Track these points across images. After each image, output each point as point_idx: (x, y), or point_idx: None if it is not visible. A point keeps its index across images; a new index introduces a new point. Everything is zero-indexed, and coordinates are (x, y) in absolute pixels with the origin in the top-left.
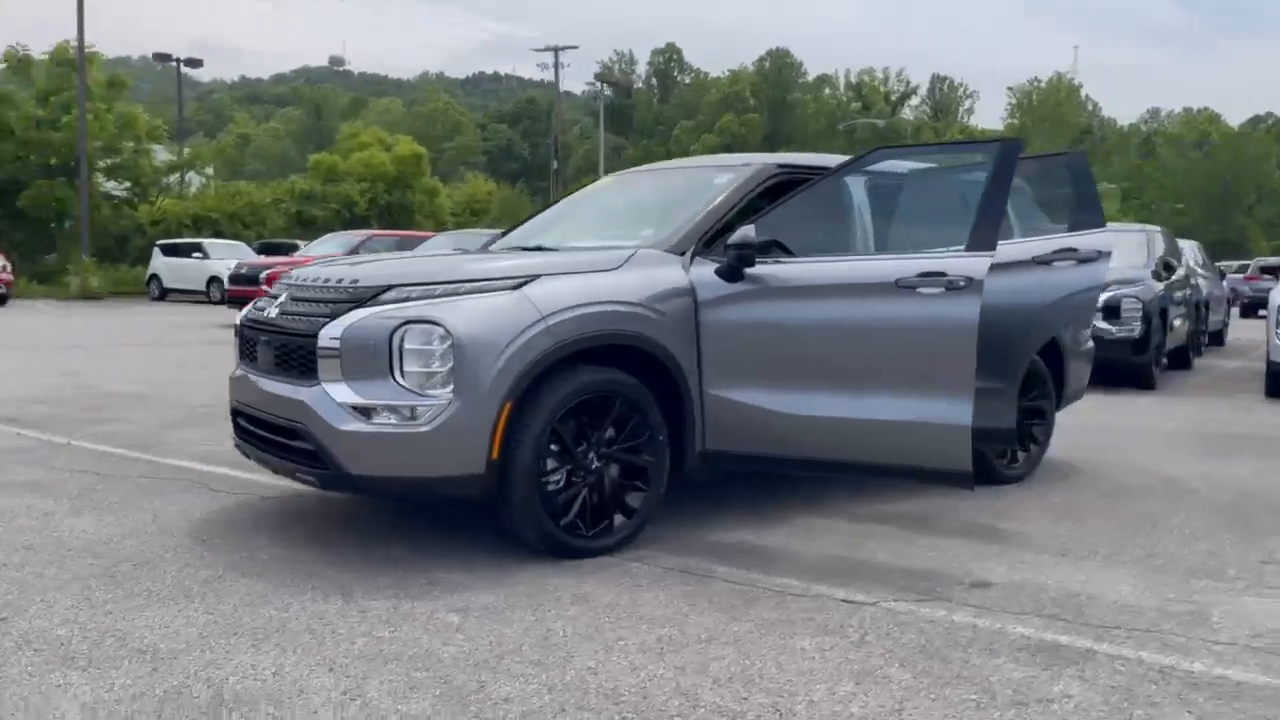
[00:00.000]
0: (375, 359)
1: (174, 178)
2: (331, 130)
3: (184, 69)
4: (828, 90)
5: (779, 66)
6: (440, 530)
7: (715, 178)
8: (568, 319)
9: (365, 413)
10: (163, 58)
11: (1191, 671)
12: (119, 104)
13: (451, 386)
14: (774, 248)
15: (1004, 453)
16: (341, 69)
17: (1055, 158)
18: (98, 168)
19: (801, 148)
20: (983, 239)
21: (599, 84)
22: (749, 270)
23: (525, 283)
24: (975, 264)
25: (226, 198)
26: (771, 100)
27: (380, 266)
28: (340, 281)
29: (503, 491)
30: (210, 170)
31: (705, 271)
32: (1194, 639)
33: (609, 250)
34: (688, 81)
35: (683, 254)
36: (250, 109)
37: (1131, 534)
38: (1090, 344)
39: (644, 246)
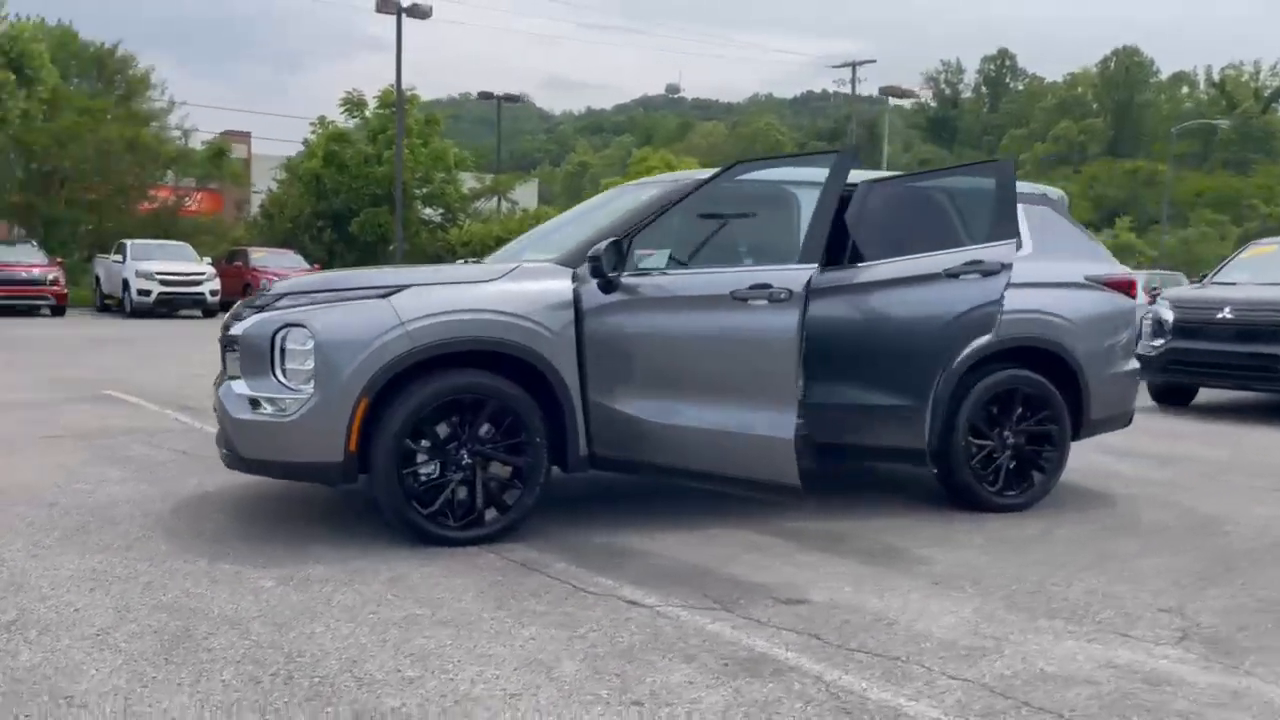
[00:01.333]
0: (261, 356)
1: (489, 203)
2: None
3: (537, 105)
4: (1185, 89)
5: (1126, 65)
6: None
7: (645, 193)
8: (428, 325)
9: (254, 403)
10: (486, 96)
11: (871, 700)
12: (434, 139)
13: (313, 383)
14: (671, 261)
15: (993, 479)
16: (676, 96)
17: (982, 167)
18: (415, 196)
19: (1144, 154)
20: (809, 251)
21: (886, 97)
22: (625, 282)
23: (394, 292)
24: (796, 276)
25: (529, 220)
26: (1117, 103)
27: (300, 278)
28: (267, 290)
29: (370, 480)
30: (514, 195)
31: (593, 285)
32: (938, 675)
33: (496, 265)
34: (1019, 88)
35: (574, 267)
36: (590, 138)
37: (1040, 567)
38: (1133, 364)
39: (533, 260)
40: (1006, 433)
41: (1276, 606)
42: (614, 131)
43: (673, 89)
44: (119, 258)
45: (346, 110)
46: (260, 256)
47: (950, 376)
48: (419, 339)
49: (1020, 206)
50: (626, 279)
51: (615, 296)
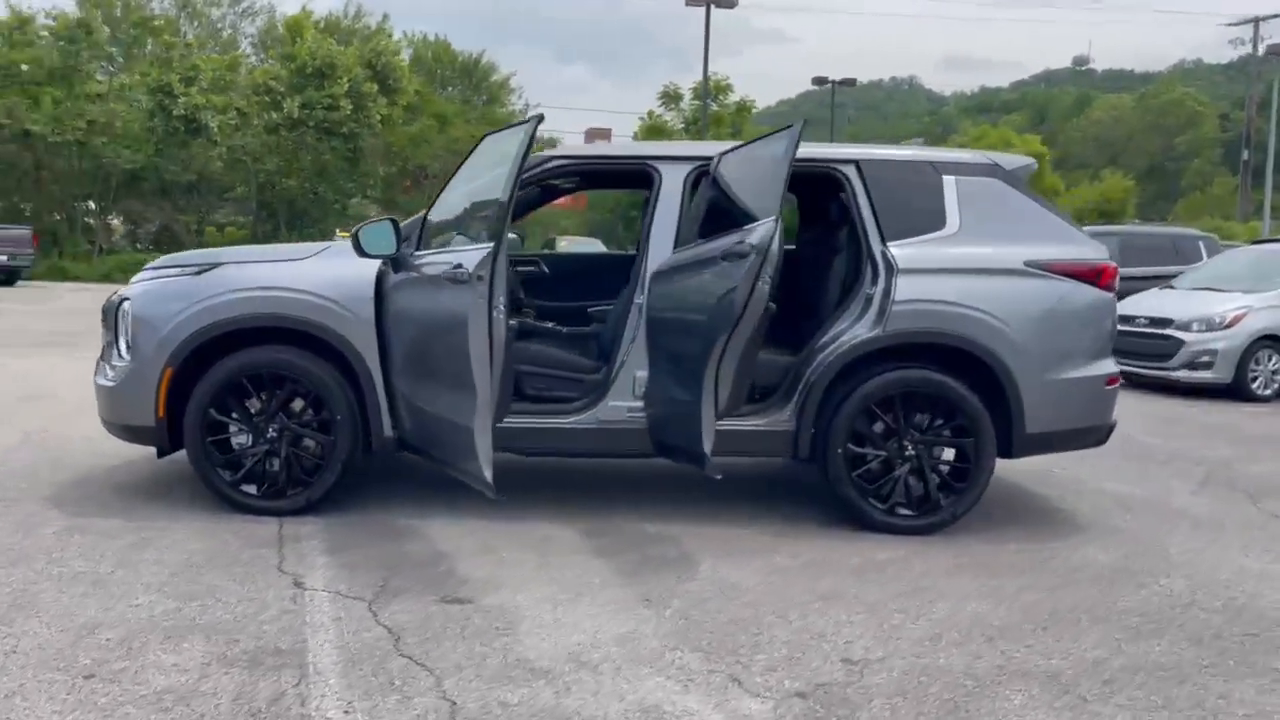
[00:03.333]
0: (110, 328)
1: None
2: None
3: (926, 86)
4: None
5: None
6: None
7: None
8: (228, 301)
9: (104, 371)
10: (820, 81)
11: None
12: (746, 126)
13: (131, 352)
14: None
15: (884, 495)
16: (1084, 68)
17: (775, 136)
18: None
19: None
20: (492, 230)
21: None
22: (410, 261)
23: (208, 268)
24: (473, 256)
25: None
26: None
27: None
28: None
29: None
30: None
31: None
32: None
33: (316, 244)
34: None
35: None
36: (977, 118)
37: (793, 599)
38: (1100, 366)
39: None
40: (906, 443)
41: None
42: (1004, 110)
43: (1080, 61)
44: None
45: (664, 103)
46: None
47: (819, 374)
48: (219, 314)
49: (952, 179)
50: (412, 258)
51: (402, 276)
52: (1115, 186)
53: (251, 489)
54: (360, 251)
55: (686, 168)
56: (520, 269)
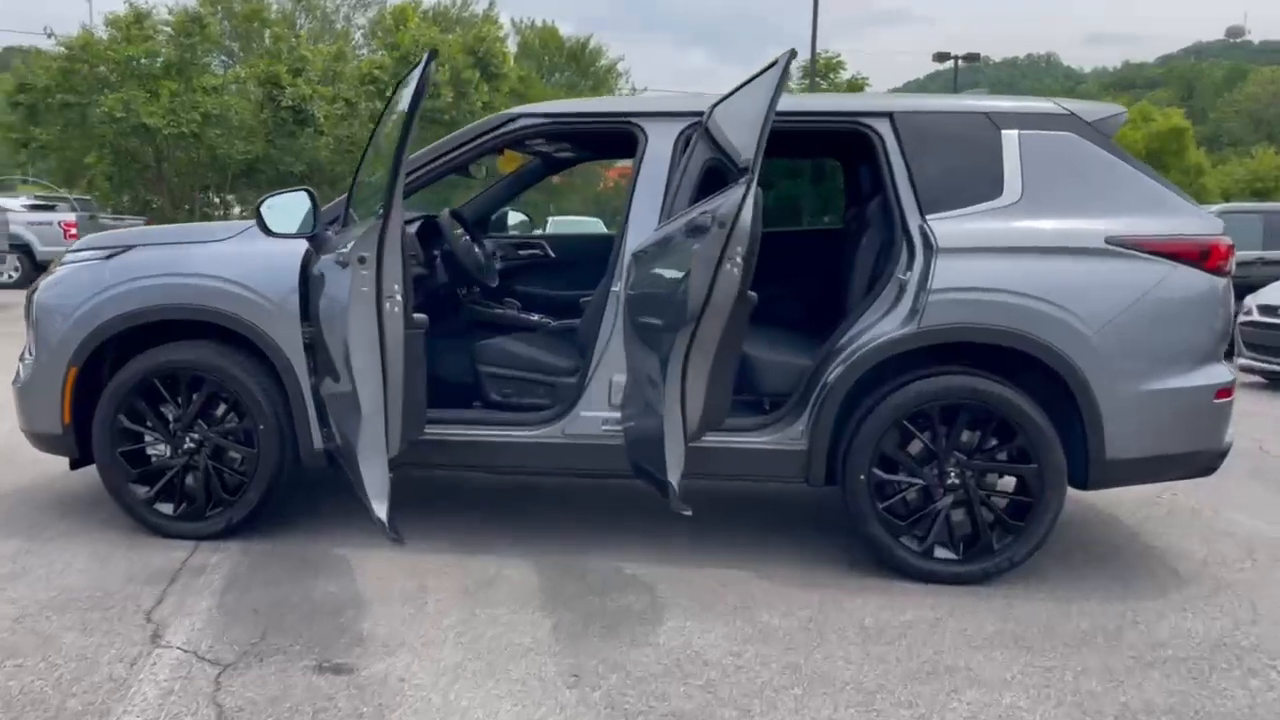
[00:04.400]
0: (28, 321)
1: None
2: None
3: (1064, 63)
4: None
5: None
6: None
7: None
8: (132, 290)
9: (18, 371)
10: (941, 56)
11: None
12: None
13: (36, 350)
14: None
15: (921, 534)
16: (1238, 40)
17: (757, 79)
18: None
19: None
20: (381, 202)
21: None
22: (328, 240)
23: (118, 253)
24: (351, 235)
25: None
26: None
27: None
28: None
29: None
30: None
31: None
32: None
33: (238, 222)
34: None
35: (329, 224)
36: (1117, 95)
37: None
38: (1213, 374)
39: None
40: (948, 469)
41: None
42: (1148, 87)
43: (1235, 32)
44: None
45: None
46: None
47: (837, 380)
48: (123, 305)
49: (1014, 135)
50: (335, 240)
51: (324, 258)
52: (1268, 163)
53: (167, 508)
54: (265, 230)
55: (676, 126)
56: (522, 253)
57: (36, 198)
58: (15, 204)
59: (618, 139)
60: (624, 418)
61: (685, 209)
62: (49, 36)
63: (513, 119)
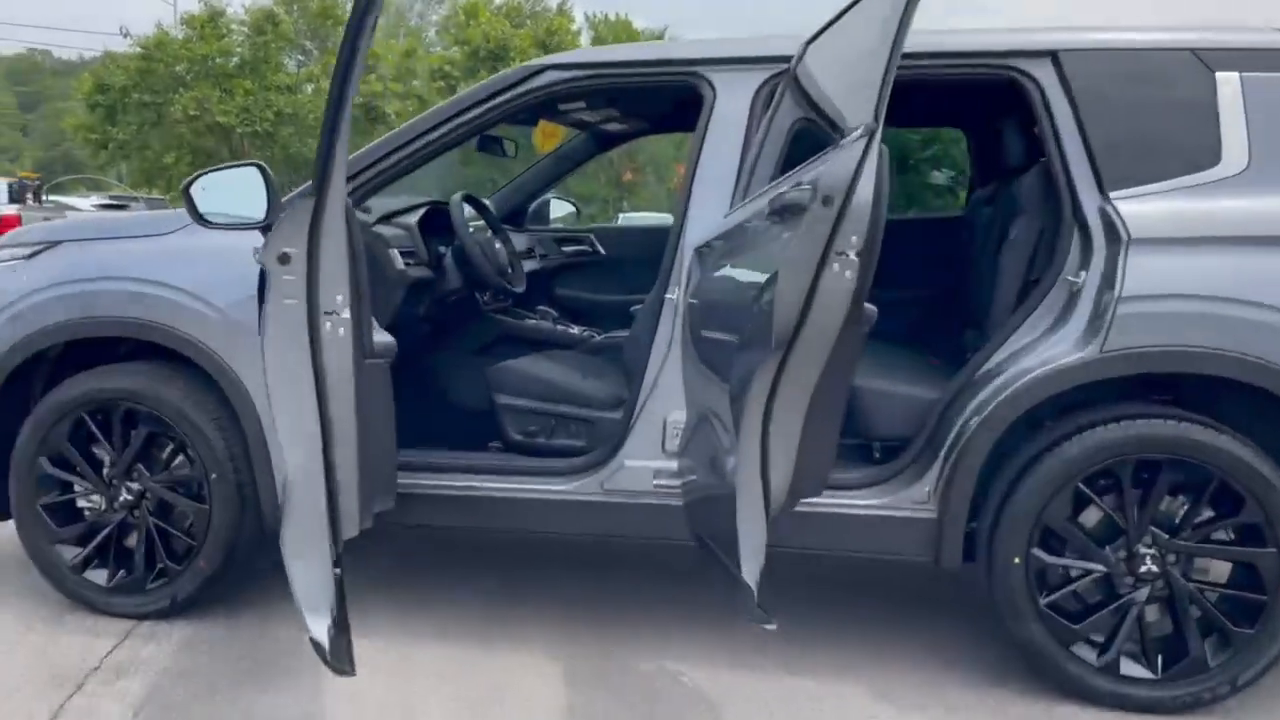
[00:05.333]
0: None
1: None
2: None
3: None
4: None
5: None
6: None
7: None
8: (51, 299)
9: None
10: None
11: None
12: None
13: None
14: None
15: (1103, 643)
16: None
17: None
18: None
19: None
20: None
21: None
22: None
23: (43, 249)
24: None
25: None
26: None
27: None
28: None
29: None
30: None
31: None
32: None
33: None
34: None
35: None
36: None
37: None
38: None
39: None
40: (1142, 551)
41: None
42: None
43: None
44: None
45: None
46: None
47: (980, 425)
48: (34, 321)
49: (1234, 79)
50: None
51: None
52: None
53: (100, 576)
54: (198, 218)
55: (755, 77)
56: (566, 249)
57: (111, 198)
58: (85, 204)
59: (679, 100)
60: (683, 470)
61: (768, 185)
62: (124, 37)
63: (537, 72)
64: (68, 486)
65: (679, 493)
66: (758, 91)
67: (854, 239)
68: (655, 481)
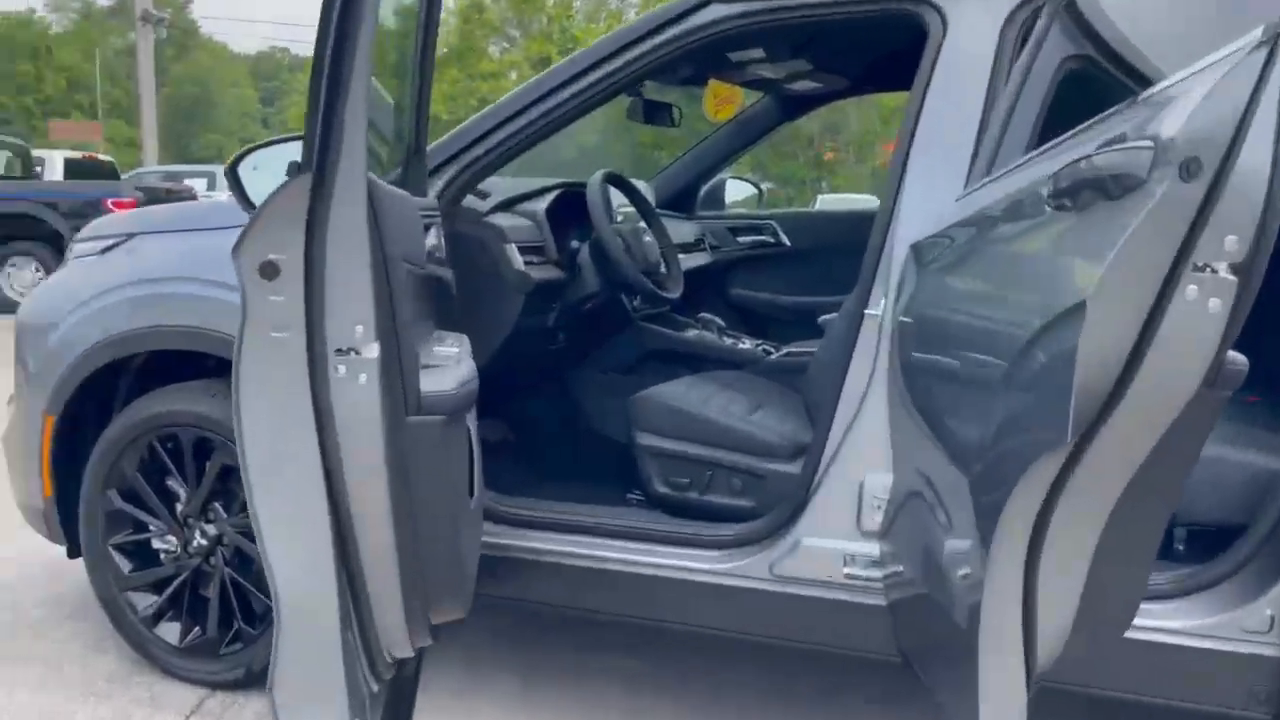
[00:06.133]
0: None
1: None
2: None
3: None
4: None
5: None
6: None
7: None
8: (118, 303)
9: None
10: None
11: None
12: None
13: (15, 389)
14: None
15: None
16: None
17: None
18: None
19: None
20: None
21: None
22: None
23: (117, 243)
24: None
25: None
26: None
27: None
28: None
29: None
30: None
31: None
32: None
33: None
34: None
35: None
36: None
37: None
38: None
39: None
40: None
41: None
42: None
43: None
44: None
45: None
46: None
47: None
48: (109, 326)
49: None
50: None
51: None
52: None
53: (172, 633)
54: (246, 204)
55: (1004, 2)
56: (742, 240)
57: None
58: None
59: (893, 42)
60: (887, 558)
61: (1036, 152)
62: None
63: (699, 6)
64: (141, 525)
65: (880, 589)
66: (1009, 21)
67: (1231, 241)
68: (846, 570)
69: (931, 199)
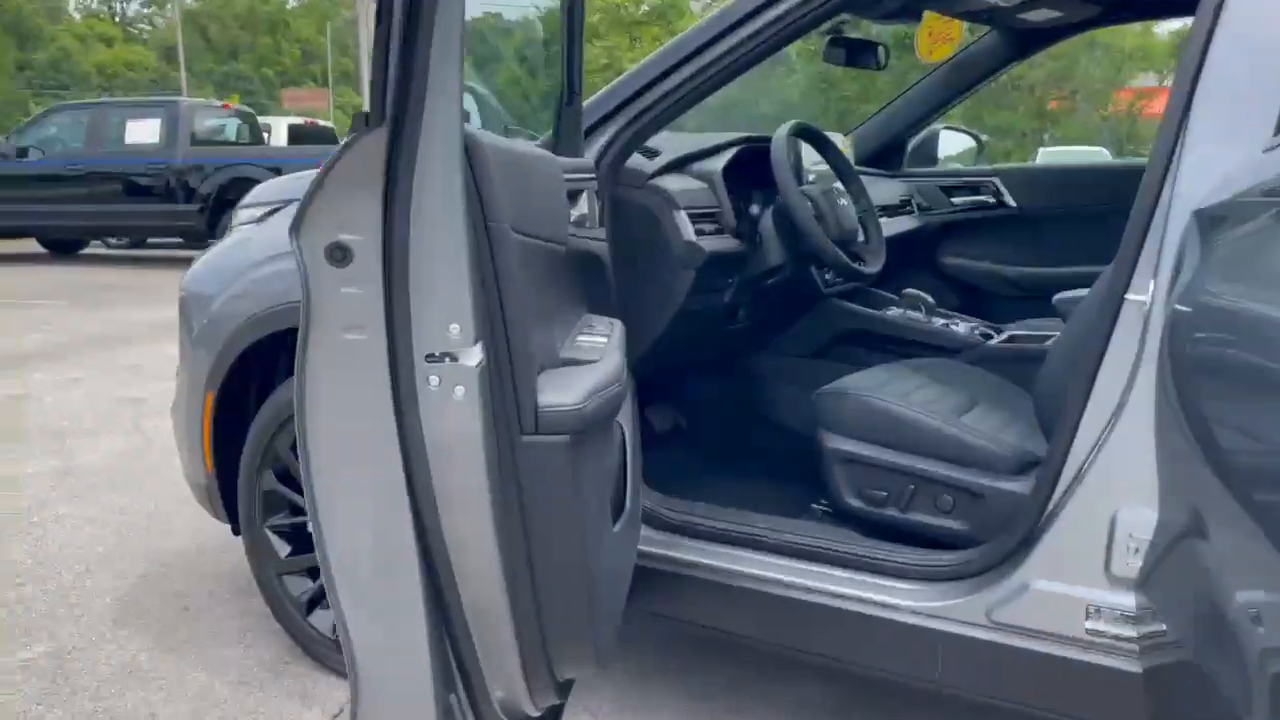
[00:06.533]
0: None
1: None
2: None
3: None
4: None
5: None
6: None
7: None
8: (269, 275)
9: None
10: None
11: None
12: None
13: (179, 363)
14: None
15: None
16: None
17: None
18: None
19: None
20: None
21: None
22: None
23: (274, 210)
24: None
25: None
26: None
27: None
28: None
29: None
30: None
31: None
32: None
33: None
34: None
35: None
36: None
37: None
38: None
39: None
40: None
41: None
42: None
43: None
44: None
45: None
46: None
47: None
48: (265, 299)
49: None
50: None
51: None
52: None
53: (325, 622)
54: None
55: None
56: (957, 201)
57: None
58: None
59: None
60: (1144, 615)
61: None
62: None
63: None
64: (297, 508)
65: (1134, 652)
66: None
67: None
68: (1089, 624)
69: (1225, 152)
